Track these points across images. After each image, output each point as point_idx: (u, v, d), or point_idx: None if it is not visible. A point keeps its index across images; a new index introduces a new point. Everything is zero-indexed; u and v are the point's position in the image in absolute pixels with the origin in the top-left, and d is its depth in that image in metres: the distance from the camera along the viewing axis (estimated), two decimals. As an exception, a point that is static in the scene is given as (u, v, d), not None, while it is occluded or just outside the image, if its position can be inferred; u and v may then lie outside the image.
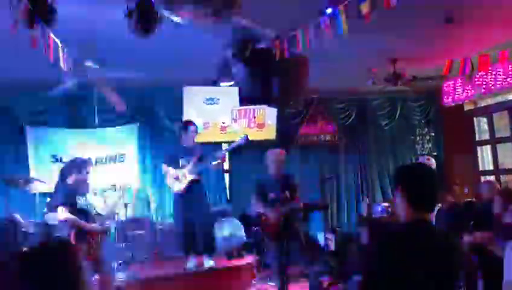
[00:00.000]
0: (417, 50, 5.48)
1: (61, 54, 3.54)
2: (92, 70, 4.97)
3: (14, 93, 5.97)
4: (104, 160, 6.46)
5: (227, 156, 7.24)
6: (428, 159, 7.35)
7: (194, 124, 5.34)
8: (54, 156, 6.17)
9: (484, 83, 6.22)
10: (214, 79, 5.98)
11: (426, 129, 8.30)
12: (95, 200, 4.59)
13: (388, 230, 1.96)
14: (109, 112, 6.21)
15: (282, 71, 4.62)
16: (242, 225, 6.04)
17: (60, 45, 3.50)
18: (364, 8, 2.97)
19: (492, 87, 6.15)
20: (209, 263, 5.12)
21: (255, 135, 6.63)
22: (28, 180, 5.43)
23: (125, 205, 5.84)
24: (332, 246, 6.70)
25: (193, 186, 5.09)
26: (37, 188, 5.58)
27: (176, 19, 3.03)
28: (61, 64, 3.58)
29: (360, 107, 7.87)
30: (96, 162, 6.30)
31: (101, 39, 4.36)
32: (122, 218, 5.79)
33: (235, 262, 5.53)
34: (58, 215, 4.09)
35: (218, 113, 6.76)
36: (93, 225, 4.23)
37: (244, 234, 5.97)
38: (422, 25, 4.60)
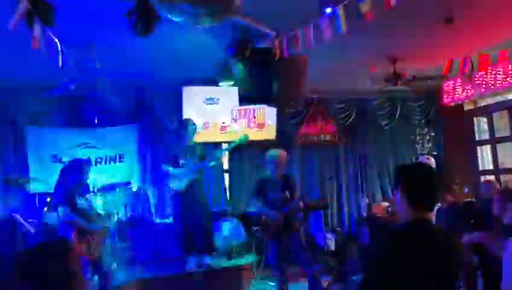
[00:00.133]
0: (417, 50, 5.48)
1: (60, 54, 3.54)
2: (91, 70, 4.96)
3: (14, 93, 5.97)
4: (103, 160, 6.46)
5: (227, 156, 7.24)
6: (428, 159, 7.36)
7: (193, 122, 5.35)
8: (53, 156, 6.16)
9: (484, 82, 6.21)
10: (214, 79, 5.99)
11: (426, 129, 8.30)
12: (95, 200, 4.59)
13: (388, 230, 1.96)
14: (109, 111, 6.21)
15: (282, 71, 4.62)
16: (242, 225, 6.04)
17: (59, 44, 3.49)
18: (364, 7, 2.97)
19: (492, 86, 6.15)
20: (209, 263, 5.13)
21: (255, 135, 6.62)
22: (28, 181, 5.43)
23: (125, 205, 5.84)
24: (332, 246, 6.71)
25: (193, 186, 5.09)
26: (37, 188, 5.58)
27: (175, 18, 3.03)
28: (61, 64, 3.58)
29: (360, 107, 7.87)
30: (96, 162, 6.30)
31: (100, 39, 4.35)
32: (122, 218, 5.79)
33: (235, 262, 5.53)
34: (58, 215, 4.09)
35: (218, 113, 6.75)
36: (93, 225, 4.23)
37: (244, 233, 5.97)
38: (422, 25, 4.60)
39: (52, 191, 5.09)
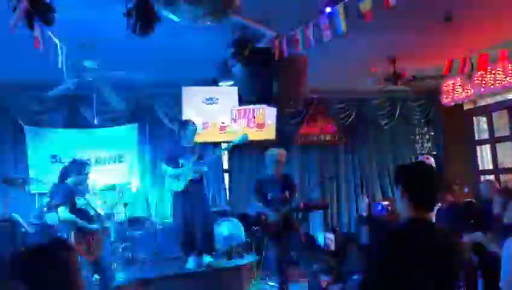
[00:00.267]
0: (417, 49, 5.48)
1: (60, 54, 3.54)
2: (91, 71, 4.97)
3: (14, 93, 5.97)
4: (103, 160, 6.46)
5: (227, 156, 7.24)
6: (428, 159, 7.36)
7: (193, 123, 5.34)
8: (53, 156, 6.16)
9: (483, 82, 6.21)
10: (214, 79, 5.99)
11: (426, 129, 8.30)
12: (94, 200, 4.59)
13: (388, 229, 1.96)
14: (109, 112, 6.21)
15: (282, 71, 4.62)
16: (242, 225, 6.03)
17: (59, 44, 3.49)
18: (364, 7, 2.97)
19: (492, 86, 6.14)
20: (208, 262, 5.12)
21: (255, 135, 6.62)
22: (27, 181, 5.42)
23: (125, 205, 5.84)
24: (332, 246, 6.71)
25: (193, 185, 5.08)
26: (37, 188, 5.58)
27: (175, 18, 3.03)
28: (60, 64, 3.58)
29: (359, 107, 7.86)
30: (95, 162, 6.29)
31: (100, 39, 4.35)
32: (122, 218, 5.79)
33: (235, 262, 5.53)
34: (58, 215, 4.10)
35: (218, 113, 6.75)
36: (92, 225, 4.23)
37: (243, 233, 5.97)
38: (422, 24, 4.60)
39: (51, 191, 5.10)
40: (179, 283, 5.00)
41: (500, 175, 7.13)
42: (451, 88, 6.84)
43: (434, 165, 6.30)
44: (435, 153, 8.05)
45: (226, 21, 3.38)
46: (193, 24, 3.09)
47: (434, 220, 4.33)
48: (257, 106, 6.78)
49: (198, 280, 5.03)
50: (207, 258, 5.13)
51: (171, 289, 4.98)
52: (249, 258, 5.64)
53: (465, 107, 7.64)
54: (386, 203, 7.32)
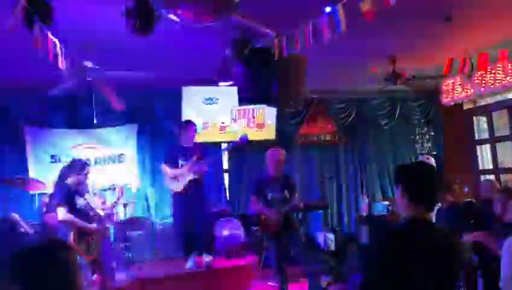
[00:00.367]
0: (416, 49, 5.48)
1: (59, 54, 3.53)
2: (91, 71, 4.96)
3: (13, 93, 5.96)
4: (103, 160, 6.46)
5: (226, 156, 7.24)
6: (428, 159, 7.36)
7: (193, 123, 5.34)
8: (53, 157, 6.16)
9: (483, 82, 6.21)
10: (213, 79, 5.98)
11: (426, 128, 8.29)
12: (94, 201, 4.59)
13: (388, 229, 1.96)
14: (108, 112, 6.20)
15: (282, 71, 4.61)
16: (242, 225, 6.03)
17: (58, 44, 3.49)
18: (365, 6, 2.97)
19: (492, 86, 6.14)
20: (208, 263, 5.12)
21: (255, 135, 6.62)
22: (27, 181, 5.42)
23: (125, 205, 5.83)
24: (332, 246, 6.71)
25: (192, 186, 5.08)
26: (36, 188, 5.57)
27: (174, 17, 3.02)
28: (60, 64, 3.57)
29: (359, 107, 7.86)
30: (95, 163, 6.29)
31: (100, 39, 4.35)
32: (122, 218, 5.79)
33: (235, 262, 5.52)
34: (57, 215, 4.09)
35: (218, 113, 6.75)
36: (92, 225, 4.23)
37: (243, 233, 5.97)
38: (422, 24, 4.60)
39: (51, 191, 5.10)
40: (179, 283, 5.00)
41: (500, 175, 7.13)
42: (451, 88, 6.84)
43: (434, 165, 6.30)
44: (435, 153, 8.04)
45: (225, 20, 3.38)
46: (193, 23, 3.09)
47: (434, 220, 4.32)
48: (257, 106, 6.78)
49: (198, 280, 5.03)
50: (207, 259, 5.13)
51: (170, 289, 4.98)
52: (248, 259, 5.64)
53: (465, 106, 7.63)
54: (386, 203, 7.32)
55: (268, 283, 5.31)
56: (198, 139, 5.62)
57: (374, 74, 6.07)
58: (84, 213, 4.22)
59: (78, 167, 4.34)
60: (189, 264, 5.10)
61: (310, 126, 7.72)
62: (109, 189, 5.81)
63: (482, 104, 7.43)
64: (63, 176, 4.41)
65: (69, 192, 4.18)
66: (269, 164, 4.63)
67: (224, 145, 6.43)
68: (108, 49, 4.58)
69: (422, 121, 8.23)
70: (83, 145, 6.30)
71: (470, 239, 3.81)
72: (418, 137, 8.30)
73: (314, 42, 3.69)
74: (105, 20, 3.89)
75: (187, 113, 6.34)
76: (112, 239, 5.39)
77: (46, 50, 3.22)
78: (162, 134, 6.79)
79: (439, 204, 4.94)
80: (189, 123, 5.34)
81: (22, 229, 4.85)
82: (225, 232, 5.89)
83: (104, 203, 5.00)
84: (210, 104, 6.69)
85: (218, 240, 5.66)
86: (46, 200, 5.18)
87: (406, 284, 1.75)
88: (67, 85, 5.10)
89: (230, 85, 5.96)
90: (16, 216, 4.92)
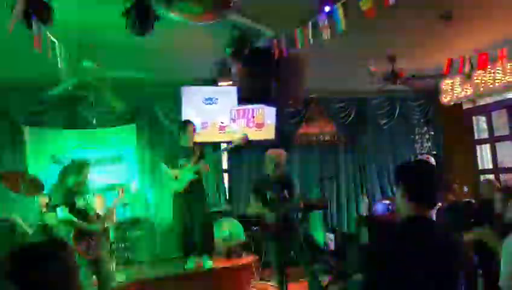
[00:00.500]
0: (416, 49, 5.48)
1: (59, 54, 3.53)
2: (91, 71, 4.95)
3: (12, 93, 5.95)
4: (103, 160, 6.45)
5: (226, 156, 7.23)
6: (428, 158, 7.35)
7: (192, 123, 5.34)
8: (52, 157, 6.15)
9: (483, 81, 6.21)
10: (213, 79, 5.98)
11: (425, 128, 8.29)
12: (93, 201, 4.58)
13: (388, 229, 1.95)
14: (108, 112, 6.19)
15: (281, 71, 4.61)
16: (241, 225, 6.03)
17: (57, 44, 3.48)
18: (365, 5, 2.96)
19: (491, 85, 6.14)
20: (208, 263, 5.12)
21: (254, 135, 6.61)
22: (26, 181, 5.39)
23: (124, 206, 5.82)
24: (332, 246, 6.70)
25: (192, 186, 5.08)
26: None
27: (173, 16, 3.02)
28: (59, 64, 3.57)
29: (359, 107, 7.86)
30: (95, 163, 6.27)
31: (99, 39, 4.34)
32: (121, 219, 5.78)
33: (235, 262, 5.52)
34: (57, 215, 4.09)
35: (217, 113, 6.74)
36: (92, 225, 4.22)
37: (243, 234, 5.96)
38: (421, 23, 4.60)
39: (51, 191, 5.09)
40: (179, 284, 5.00)
41: (500, 174, 7.13)
42: (451, 87, 6.84)
43: (434, 164, 6.29)
44: (434, 152, 8.04)
45: (225, 20, 3.37)
46: (192, 22, 3.08)
47: (434, 219, 4.31)
48: (256, 105, 6.78)
49: (198, 280, 5.02)
50: (206, 259, 5.13)
51: (170, 289, 4.98)
52: (248, 258, 5.63)
53: (465, 106, 7.64)
54: (387, 202, 7.33)
55: (268, 283, 5.31)
56: (198, 139, 5.61)
57: (374, 73, 6.07)
58: (84, 213, 4.21)
59: (78, 167, 4.33)
60: (188, 264, 5.10)
61: (309, 126, 7.71)
62: (109, 189, 5.80)
63: (481, 103, 7.43)
64: (62, 177, 4.40)
65: (68, 192, 4.18)
66: (269, 164, 4.62)
67: (223, 146, 6.42)
68: (107, 49, 4.57)
69: (422, 120, 8.23)
70: (82, 145, 6.29)
71: (471, 237, 3.80)
72: (417, 137, 8.31)
73: (314, 42, 3.69)
74: (105, 19, 3.89)
75: (187, 113, 6.34)
76: (112, 239, 5.38)
77: (45, 50, 3.21)
78: (162, 134, 6.78)
79: (439, 204, 4.94)
80: (188, 123, 5.34)
81: (22, 230, 4.84)
82: (225, 233, 5.89)
83: (103, 203, 4.99)
84: (210, 104, 6.69)
85: (217, 240, 5.65)
86: (46, 200, 5.16)
87: (406, 284, 1.75)
88: (66, 85, 5.09)
89: (230, 85, 5.96)
90: (15, 217, 4.91)
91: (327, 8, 3.38)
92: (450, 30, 4.72)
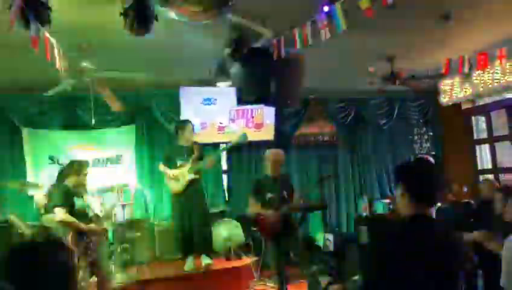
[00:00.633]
0: (415, 49, 5.48)
1: (57, 54, 3.52)
2: (89, 71, 4.94)
3: (10, 94, 5.94)
4: (101, 161, 6.44)
5: (225, 156, 7.22)
6: (427, 159, 7.35)
7: (190, 123, 5.33)
8: (51, 158, 6.12)
9: (482, 81, 6.21)
10: (212, 79, 5.97)
11: (424, 128, 8.29)
12: (92, 202, 4.56)
13: (388, 229, 1.95)
14: (107, 113, 6.18)
15: (280, 71, 4.60)
16: (240, 226, 6.02)
17: (55, 44, 3.47)
18: (364, 4, 2.96)
19: (490, 85, 6.14)
20: (207, 264, 5.10)
21: (253, 135, 6.60)
22: (25, 182, 5.40)
23: (123, 206, 5.81)
24: (331, 246, 6.69)
25: (191, 186, 5.07)
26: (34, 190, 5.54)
27: (172, 15, 3.01)
28: (57, 64, 3.56)
29: (358, 107, 7.86)
30: (94, 164, 6.26)
31: (97, 39, 4.33)
32: (120, 219, 5.76)
33: (234, 263, 5.51)
34: (56, 216, 4.07)
35: (216, 114, 6.73)
36: (91, 226, 4.20)
37: (242, 234, 5.95)
38: (420, 23, 4.59)
39: (49, 192, 5.07)
40: (178, 285, 4.98)
41: (499, 174, 7.13)
42: (450, 88, 6.84)
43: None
44: (433, 153, 8.04)
45: (223, 20, 3.36)
46: (190, 22, 3.07)
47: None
48: (255, 106, 6.77)
49: (197, 281, 5.01)
50: (206, 260, 5.11)
51: (169, 290, 4.97)
52: (247, 259, 5.62)
53: (464, 106, 7.64)
54: (387, 201, 7.33)
55: (268, 284, 5.30)
56: (197, 139, 5.60)
57: (373, 73, 6.07)
58: (83, 214, 4.19)
59: (77, 168, 4.32)
60: (187, 265, 5.09)
61: (308, 126, 7.71)
62: (108, 190, 5.79)
63: (480, 103, 7.43)
64: (61, 177, 4.39)
65: (67, 193, 4.16)
66: (268, 164, 4.62)
67: (222, 146, 6.41)
68: (105, 50, 4.56)
69: (421, 121, 8.24)
70: (81, 146, 6.27)
71: (470, 239, 3.80)
72: (416, 137, 8.31)
73: (313, 42, 3.68)
74: (103, 19, 3.88)
75: (185, 114, 6.33)
76: (111, 240, 5.36)
77: (43, 50, 3.20)
78: (161, 135, 6.77)
79: (439, 204, 4.94)
80: (187, 123, 5.33)
81: (20, 231, 4.82)
82: (224, 233, 5.87)
83: (102, 204, 4.98)
84: (208, 104, 6.68)
85: (216, 241, 5.64)
86: (45, 201, 5.15)
87: (406, 284, 1.74)
88: (64, 86, 5.08)
89: (229, 85, 5.95)
90: (13, 218, 4.90)
91: (326, 8, 3.38)
92: (449, 30, 4.72)
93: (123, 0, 3.05)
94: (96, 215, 4.37)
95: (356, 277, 4.53)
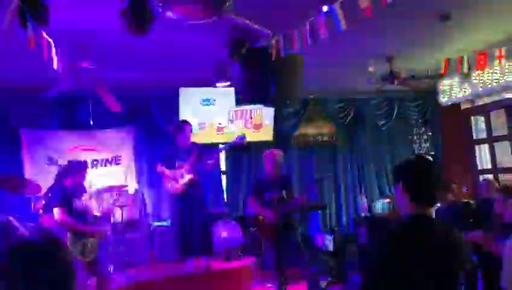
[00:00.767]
0: (414, 49, 5.47)
1: (54, 54, 3.50)
2: (88, 71, 4.92)
3: (10, 95, 5.92)
4: (100, 162, 6.42)
5: (224, 157, 7.21)
6: (426, 157, 7.34)
7: (189, 123, 5.32)
8: (49, 159, 6.11)
9: (481, 81, 6.20)
10: (211, 80, 5.95)
11: (423, 128, 8.29)
12: (91, 202, 4.55)
13: (388, 229, 1.94)
14: (105, 113, 6.16)
15: (279, 71, 4.59)
16: (240, 226, 6.01)
17: (53, 45, 3.46)
18: (363, 3, 2.95)
19: (489, 85, 6.14)
20: (206, 265, 5.09)
21: (252, 136, 6.59)
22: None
23: (122, 207, 5.80)
24: (330, 247, 6.68)
25: (190, 187, 5.05)
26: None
27: (170, 15, 2.99)
28: (55, 64, 3.54)
29: (357, 107, 7.86)
30: (92, 164, 6.25)
31: (96, 39, 4.32)
32: (119, 220, 5.75)
33: (233, 264, 5.50)
34: (54, 217, 4.06)
35: (215, 114, 6.72)
36: (89, 227, 4.19)
37: (242, 235, 5.94)
38: (419, 23, 4.59)
39: (48, 193, 5.06)
40: (177, 286, 4.97)
41: (499, 174, 7.12)
42: (449, 88, 6.84)
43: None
44: (433, 153, 8.04)
45: (222, 20, 3.35)
46: (188, 21, 3.06)
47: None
48: (254, 106, 6.76)
49: (196, 282, 5.00)
50: (205, 260, 5.10)
51: (168, 291, 4.95)
52: (247, 260, 5.61)
53: (463, 106, 7.63)
54: (386, 200, 7.32)
55: (267, 285, 5.29)
56: (195, 140, 5.59)
57: (372, 73, 6.06)
58: (82, 215, 4.18)
59: (76, 168, 4.31)
60: (186, 266, 5.08)
61: (307, 126, 7.70)
62: (106, 191, 5.77)
63: (479, 103, 7.42)
64: (60, 178, 4.38)
65: (66, 194, 4.15)
66: (267, 165, 4.61)
67: (222, 146, 6.40)
68: (104, 50, 4.55)
69: (420, 121, 8.23)
70: (79, 147, 6.26)
71: (469, 240, 3.79)
72: (415, 137, 8.30)
73: (312, 42, 3.67)
74: (101, 19, 3.87)
75: (184, 114, 6.32)
76: (109, 241, 5.35)
77: (41, 50, 3.19)
78: (160, 135, 6.75)
79: (439, 204, 4.93)
80: (185, 123, 5.31)
81: (18, 232, 4.80)
82: (223, 234, 5.86)
83: (101, 205, 4.97)
84: (207, 105, 6.67)
85: (215, 242, 5.63)
86: (43, 202, 5.14)
87: (406, 284, 1.73)
88: (63, 86, 5.06)
89: (228, 86, 5.94)
90: (11, 218, 4.88)
91: (325, 8, 3.37)
92: (448, 30, 4.72)
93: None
94: (95, 216, 4.36)
95: (355, 277, 4.53)
